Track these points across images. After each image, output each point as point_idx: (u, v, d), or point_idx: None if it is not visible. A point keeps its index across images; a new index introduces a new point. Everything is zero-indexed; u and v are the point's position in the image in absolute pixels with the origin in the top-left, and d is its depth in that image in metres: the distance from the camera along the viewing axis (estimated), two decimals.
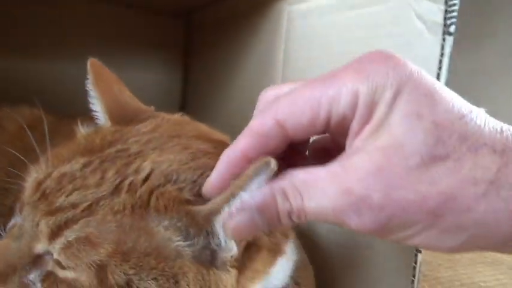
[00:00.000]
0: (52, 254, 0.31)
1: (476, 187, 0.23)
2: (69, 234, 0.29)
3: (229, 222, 0.28)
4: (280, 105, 0.27)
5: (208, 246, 0.31)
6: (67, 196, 0.30)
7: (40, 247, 0.31)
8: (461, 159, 0.23)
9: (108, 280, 0.29)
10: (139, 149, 0.33)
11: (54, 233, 0.30)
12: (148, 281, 0.29)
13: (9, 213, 0.42)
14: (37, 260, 0.31)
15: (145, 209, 0.30)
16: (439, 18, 0.46)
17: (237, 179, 0.28)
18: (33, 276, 0.31)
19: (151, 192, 0.30)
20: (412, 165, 0.23)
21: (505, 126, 0.24)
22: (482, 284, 1.07)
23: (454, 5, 0.45)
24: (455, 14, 0.46)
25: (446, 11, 0.46)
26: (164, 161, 0.32)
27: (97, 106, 0.39)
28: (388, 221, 0.24)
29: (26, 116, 0.62)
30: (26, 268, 0.31)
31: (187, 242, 0.30)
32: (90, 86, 0.39)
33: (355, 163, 0.25)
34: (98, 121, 0.40)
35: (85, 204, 0.30)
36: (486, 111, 0.26)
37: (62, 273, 0.30)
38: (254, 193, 0.26)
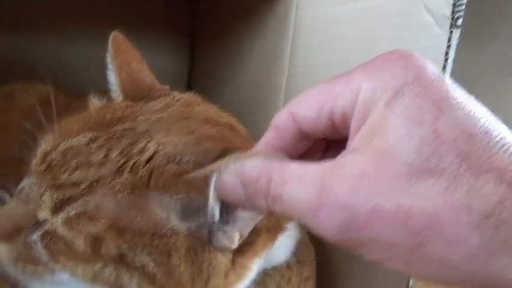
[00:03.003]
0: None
1: (469, 216, 0.19)
2: (70, 210, 0.31)
3: (218, 179, 0.27)
4: (296, 99, 0.27)
5: (205, 225, 0.31)
6: (70, 174, 0.31)
7: (43, 215, 0.32)
8: (457, 179, 0.20)
9: (101, 251, 0.30)
10: (147, 128, 0.34)
11: (57, 207, 0.31)
12: (142, 256, 0.31)
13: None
14: (40, 223, 0.32)
15: (145, 188, 0.31)
16: (447, 11, 0.47)
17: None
18: (35, 236, 0.32)
19: (151, 172, 0.31)
20: (401, 174, 0.20)
21: None
22: None
23: None
24: (463, 7, 0.47)
25: (454, 5, 0.47)
26: (169, 142, 0.33)
27: (112, 79, 0.40)
28: (360, 231, 0.21)
29: (39, 91, 0.63)
30: (30, 229, 0.32)
31: (184, 221, 0.31)
32: (109, 59, 0.39)
33: (344, 163, 0.23)
34: (112, 94, 0.41)
35: (86, 183, 0.31)
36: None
37: (59, 231, 0.31)
38: (245, 164, 0.26)
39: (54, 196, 0.31)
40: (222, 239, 0.32)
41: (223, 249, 0.33)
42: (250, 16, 0.81)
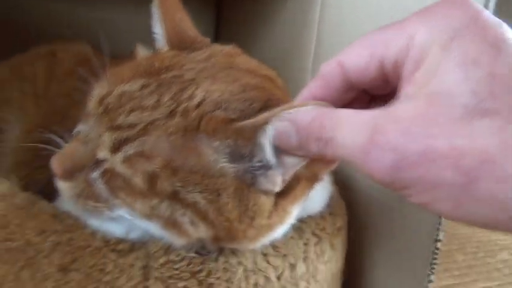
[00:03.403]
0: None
1: None
2: (128, 149, 0.32)
3: (271, 127, 0.29)
4: (345, 49, 0.28)
5: (250, 169, 0.33)
6: (126, 116, 0.33)
7: (103, 154, 0.34)
8: (511, 120, 0.20)
9: (157, 187, 0.33)
10: (193, 76, 0.35)
11: (116, 147, 0.33)
12: (194, 193, 0.33)
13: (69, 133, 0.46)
14: (99, 162, 0.35)
15: (195, 131, 0.33)
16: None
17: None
18: (96, 174, 0.35)
19: (201, 117, 0.33)
20: (455, 115, 0.21)
21: None
22: (499, 242, 1.10)
23: None
24: None
25: None
26: (216, 90, 0.34)
27: (158, 28, 0.41)
28: (410, 171, 0.21)
29: (78, 51, 0.65)
30: (90, 168, 0.35)
31: (232, 164, 0.33)
32: (154, 8, 0.40)
33: (398, 108, 0.23)
34: (156, 43, 0.42)
35: (142, 125, 0.33)
36: None
37: (118, 169, 0.33)
38: (299, 112, 0.28)
39: (113, 137, 0.33)
40: (266, 182, 0.34)
41: (266, 192, 0.35)
42: None
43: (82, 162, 0.35)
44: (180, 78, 0.35)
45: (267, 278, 0.39)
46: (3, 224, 0.35)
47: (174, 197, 0.33)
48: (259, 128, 0.30)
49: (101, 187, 0.34)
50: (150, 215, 0.34)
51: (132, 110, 0.33)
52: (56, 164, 0.35)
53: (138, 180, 0.32)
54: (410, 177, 0.22)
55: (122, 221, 0.36)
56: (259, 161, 0.32)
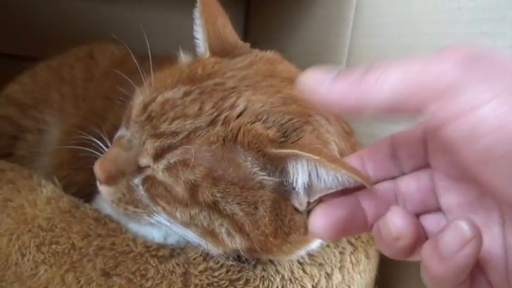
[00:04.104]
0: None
1: None
2: (171, 157, 0.33)
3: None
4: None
5: (285, 183, 0.33)
6: (169, 124, 0.33)
7: (145, 161, 0.35)
8: None
9: (198, 197, 0.33)
10: (235, 84, 0.35)
11: (158, 155, 0.33)
12: (233, 205, 0.33)
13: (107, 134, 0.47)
14: (141, 169, 0.35)
15: (233, 142, 0.33)
16: None
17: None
18: (137, 180, 0.35)
19: (240, 128, 0.33)
20: None
21: None
22: None
23: None
24: None
25: None
26: (257, 100, 0.34)
27: (200, 34, 0.41)
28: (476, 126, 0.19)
29: (114, 51, 0.66)
30: (132, 174, 0.35)
31: (270, 178, 0.33)
32: (196, 14, 0.41)
33: None
34: (197, 48, 0.42)
35: (184, 133, 0.33)
36: None
37: (160, 177, 0.34)
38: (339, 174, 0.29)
39: (155, 144, 0.33)
40: (294, 200, 0.34)
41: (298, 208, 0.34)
42: None
43: (124, 168, 0.35)
44: (221, 86, 0.36)
45: (304, 287, 0.39)
46: (49, 228, 0.36)
47: (214, 207, 0.33)
48: (291, 159, 0.31)
49: (141, 193, 0.35)
50: (189, 223, 0.34)
51: (175, 118, 0.34)
52: (99, 169, 0.35)
53: (180, 189, 0.33)
54: (473, 138, 0.20)
55: (160, 227, 0.37)
56: (287, 182, 0.33)
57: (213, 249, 0.36)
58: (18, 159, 0.61)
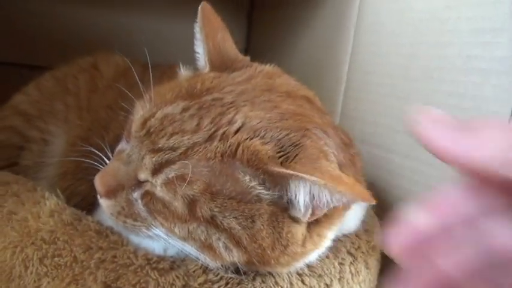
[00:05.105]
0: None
1: None
2: (169, 172, 0.33)
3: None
4: None
5: (284, 197, 0.34)
6: (167, 139, 0.34)
7: (143, 176, 0.35)
8: None
9: (196, 212, 0.33)
10: (233, 99, 0.36)
11: (156, 169, 0.34)
12: (230, 219, 0.33)
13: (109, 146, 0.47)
14: (140, 183, 0.36)
15: (232, 158, 0.33)
16: None
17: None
18: (136, 194, 0.36)
19: (239, 144, 0.33)
20: None
21: None
22: None
23: None
24: None
25: None
26: (254, 116, 0.35)
27: (200, 48, 0.42)
28: None
29: (118, 63, 0.67)
30: (131, 188, 0.36)
31: (268, 192, 0.34)
32: (197, 29, 0.42)
33: None
34: (197, 62, 0.43)
35: (182, 149, 0.34)
36: None
37: (158, 193, 0.34)
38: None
39: (154, 159, 0.34)
40: (295, 212, 0.34)
41: (297, 220, 0.35)
42: None
43: (124, 182, 0.36)
44: (220, 101, 0.36)
45: None
46: (52, 240, 0.37)
47: (211, 221, 0.34)
48: (293, 179, 0.32)
49: (140, 208, 0.36)
50: (186, 238, 0.35)
51: (173, 133, 0.34)
52: (99, 182, 0.36)
53: (178, 204, 0.33)
54: None
55: (159, 239, 0.37)
56: (286, 196, 0.34)
57: (211, 263, 0.36)
58: (24, 169, 0.62)
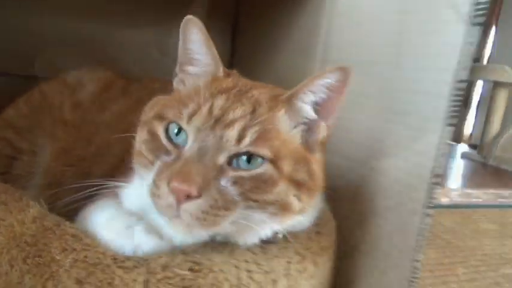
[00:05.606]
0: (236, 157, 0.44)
1: None
2: (251, 134, 0.44)
3: None
4: None
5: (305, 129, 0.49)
6: (233, 114, 0.44)
7: (222, 156, 0.43)
8: None
9: (283, 170, 0.44)
10: (245, 89, 0.49)
11: (241, 136, 0.43)
12: (300, 171, 0.47)
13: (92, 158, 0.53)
14: (221, 170, 0.43)
15: (274, 112, 0.47)
16: (468, 9, 0.50)
17: None
18: (224, 181, 0.43)
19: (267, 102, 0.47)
20: None
21: None
22: (504, 256, 1.12)
23: None
24: (484, 6, 0.49)
25: (476, 3, 0.49)
26: (259, 92, 0.49)
27: (200, 56, 0.51)
28: None
29: (102, 77, 0.74)
30: (216, 178, 0.42)
31: (295, 129, 0.48)
32: (195, 38, 0.49)
33: None
34: (194, 67, 0.51)
35: (247, 117, 0.44)
36: None
37: (246, 174, 0.43)
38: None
39: (235, 129, 0.43)
40: (315, 134, 0.49)
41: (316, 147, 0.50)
42: (286, 6, 0.86)
43: (207, 175, 0.41)
44: (240, 90, 0.48)
45: None
46: (33, 243, 0.43)
47: (290, 178, 0.45)
48: (299, 94, 0.48)
49: (233, 193, 0.42)
50: (273, 203, 0.44)
51: (234, 109, 0.45)
52: (184, 185, 0.39)
53: (268, 168, 0.43)
54: None
55: (232, 224, 0.44)
56: (306, 119, 0.48)
57: (278, 225, 0.49)
58: (16, 177, 0.68)
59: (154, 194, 0.42)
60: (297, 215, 0.48)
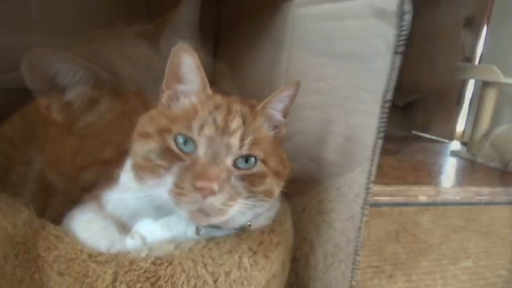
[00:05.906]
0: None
1: None
2: (248, 141, 0.54)
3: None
4: None
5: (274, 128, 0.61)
6: (232, 123, 0.54)
7: (229, 159, 0.53)
8: None
9: (269, 164, 0.56)
10: (229, 104, 0.58)
11: (242, 139, 0.54)
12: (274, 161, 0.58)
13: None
14: (230, 170, 0.53)
15: (255, 117, 0.58)
16: (392, 40, 0.58)
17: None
18: (233, 179, 0.53)
19: (252, 109, 0.59)
20: None
21: None
22: (468, 250, 1.19)
23: (404, 30, 0.57)
24: (405, 37, 0.58)
25: (398, 35, 0.58)
26: (240, 106, 0.59)
27: (198, 78, 0.58)
28: None
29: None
30: (228, 176, 0.52)
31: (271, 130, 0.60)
32: (188, 61, 0.57)
33: None
34: (187, 85, 0.59)
35: (242, 127, 0.55)
36: None
37: (248, 172, 0.54)
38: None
39: (237, 136, 0.54)
40: (282, 132, 0.62)
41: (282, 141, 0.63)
42: (256, 23, 0.94)
43: (222, 175, 0.52)
44: (228, 105, 0.57)
45: (205, 282, 0.55)
46: (23, 242, 0.53)
47: (274, 171, 0.57)
48: (271, 104, 0.59)
49: (241, 187, 0.53)
50: (263, 192, 0.56)
51: (232, 121, 0.55)
52: (208, 184, 0.49)
53: (261, 165, 0.55)
54: None
55: (238, 214, 0.55)
56: (276, 122, 0.60)
57: (261, 209, 0.58)
58: (11, 184, 0.77)
59: (178, 193, 0.51)
60: (274, 198, 0.60)
